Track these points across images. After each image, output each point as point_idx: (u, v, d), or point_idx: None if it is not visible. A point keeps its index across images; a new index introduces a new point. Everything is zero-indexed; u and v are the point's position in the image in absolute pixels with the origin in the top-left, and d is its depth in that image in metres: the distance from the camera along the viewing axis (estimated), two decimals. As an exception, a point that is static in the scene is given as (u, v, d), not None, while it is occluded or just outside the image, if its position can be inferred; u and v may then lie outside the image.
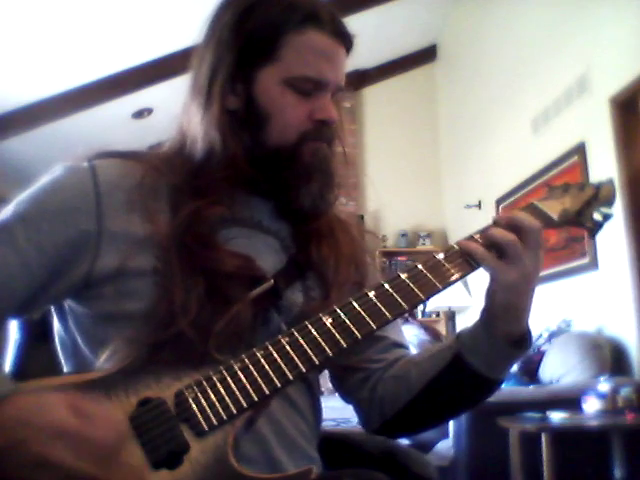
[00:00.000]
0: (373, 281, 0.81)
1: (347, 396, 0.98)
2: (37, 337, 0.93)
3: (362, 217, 5.78)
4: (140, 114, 5.31)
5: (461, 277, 0.80)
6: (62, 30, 4.13)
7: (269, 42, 0.85)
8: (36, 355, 0.95)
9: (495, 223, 0.84)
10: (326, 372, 0.98)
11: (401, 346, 0.98)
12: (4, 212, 0.81)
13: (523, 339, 0.83)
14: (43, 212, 0.80)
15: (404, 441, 3.08)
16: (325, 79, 0.86)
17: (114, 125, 5.13)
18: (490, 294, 0.82)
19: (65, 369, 0.87)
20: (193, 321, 0.74)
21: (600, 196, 0.93)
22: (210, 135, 0.86)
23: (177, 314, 0.74)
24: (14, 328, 0.94)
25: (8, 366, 0.93)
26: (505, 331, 0.82)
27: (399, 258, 5.91)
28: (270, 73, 0.86)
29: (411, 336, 4.18)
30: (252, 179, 0.88)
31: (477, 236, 0.83)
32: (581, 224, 0.93)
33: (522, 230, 0.80)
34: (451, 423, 2.94)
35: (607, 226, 0.94)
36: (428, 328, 4.50)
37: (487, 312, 0.83)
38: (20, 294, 0.79)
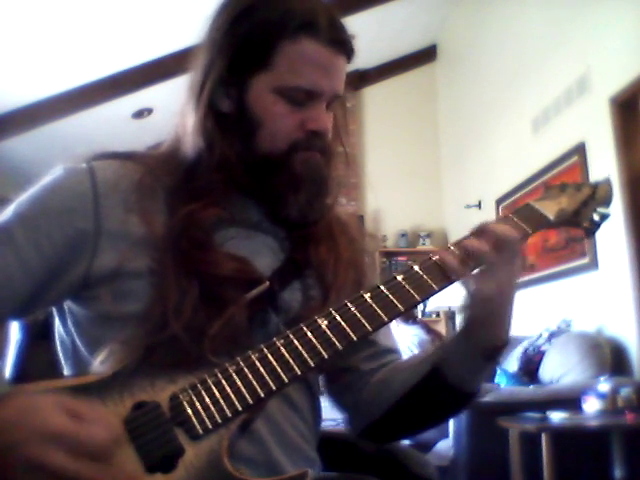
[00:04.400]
0: (372, 281, 0.81)
1: (334, 398, 0.98)
2: (38, 336, 0.93)
3: (362, 217, 5.79)
4: (140, 114, 5.31)
5: (440, 289, 0.78)
6: (62, 30, 4.13)
7: (263, 49, 0.83)
8: (37, 355, 0.95)
9: (472, 234, 0.82)
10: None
11: (391, 352, 0.98)
12: (4, 214, 0.81)
13: (497, 351, 0.82)
14: (42, 212, 0.81)
15: (404, 441, 3.08)
16: (319, 90, 0.85)
17: (114, 125, 5.13)
18: (466, 307, 0.80)
19: (64, 369, 0.87)
20: (187, 324, 0.73)
21: (597, 196, 0.92)
22: (200, 137, 0.86)
23: (170, 317, 0.74)
24: (16, 328, 0.94)
25: (9, 365, 0.93)
26: (482, 343, 0.81)
27: (399, 258, 5.91)
28: (263, 80, 0.84)
29: (412, 336, 4.17)
30: (246, 183, 0.88)
31: (453, 247, 0.81)
32: (578, 224, 0.92)
33: (498, 240, 0.78)
34: (451, 423, 2.94)
35: (605, 226, 0.93)
36: (430, 329, 4.49)
37: (465, 324, 0.82)
38: (20, 294, 0.79)
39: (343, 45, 0.86)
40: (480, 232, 0.81)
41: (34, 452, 0.56)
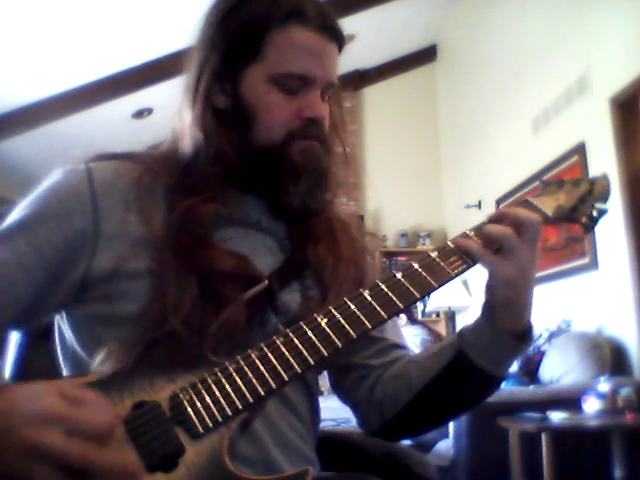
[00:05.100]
0: (373, 280, 0.81)
1: (345, 397, 0.98)
2: (38, 337, 0.93)
3: (362, 217, 5.79)
4: (140, 114, 5.31)
5: (457, 275, 0.79)
6: (62, 30, 4.13)
7: (253, 40, 0.85)
8: (37, 355, 0.95)
9: (490, 220, 0.83)
10: (325, 372, 0.98)
11: (400, 347, 0.97)
12: (6, 221, 0.81)
13: (524, 334, 0.83)
14: (41, 216, 0.81)
15: (405, 441, 3.08)
16: (310, 75, 0.85)
17: (114, 125, 5.13)
18: (489, 290, 0.82)
19: (63, 370, 0.87)
20: (185, 321, 0.73)
21: (595, 192, 0.92)
22: (196, 134, 0.86)
23: (168, 313, 0.73)
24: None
25: (8, 366, 0.93)
26: (506, 326, 0.82)
27: (399, 258, 5.91)
28: (256, 71, 0.85)
29: (413, 336, 4.17)
30: (244, 178, 0.88)
31: (472, 233, 0.83)
32: (576, 220, 0.91)
33: (519, 224, 0.79)
34: (451, 423, 2.93)
35: (602, 222, 0.92)
36: (431, 329, 4.49)
37: (488, 308, 0.83)
38: (22, 301, 0.79)
39: (333, 32, 0.87)
40: (499, 217, 0.82)
41: (28, 434, 0.55)
